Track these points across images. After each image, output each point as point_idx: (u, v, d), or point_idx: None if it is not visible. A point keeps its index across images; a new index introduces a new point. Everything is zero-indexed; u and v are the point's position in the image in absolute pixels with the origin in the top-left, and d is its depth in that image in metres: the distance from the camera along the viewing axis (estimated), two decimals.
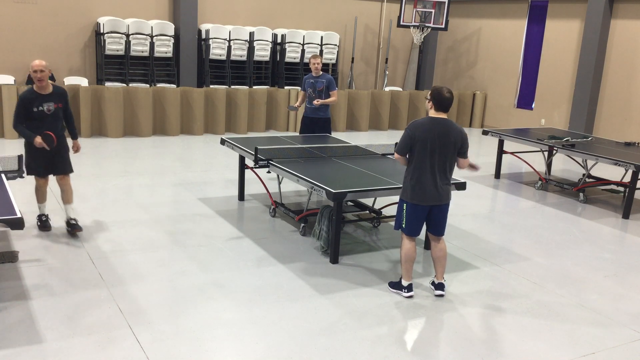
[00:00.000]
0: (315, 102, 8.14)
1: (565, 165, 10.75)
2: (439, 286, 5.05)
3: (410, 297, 4.92)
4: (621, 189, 8.95)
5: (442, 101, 4.69)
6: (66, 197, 5.87)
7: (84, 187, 7.59)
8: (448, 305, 4.87)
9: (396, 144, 4.95)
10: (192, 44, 13.54)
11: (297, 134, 10.41)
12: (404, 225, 4.88)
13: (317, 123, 8.30)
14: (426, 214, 4.85)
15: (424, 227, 5.01)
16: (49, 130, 5.55)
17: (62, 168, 5.83)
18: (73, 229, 5.82)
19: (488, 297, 5.05)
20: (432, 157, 4.67)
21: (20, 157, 5.38)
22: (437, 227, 4.94)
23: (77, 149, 5.95)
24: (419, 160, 4.69)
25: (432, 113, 4.75)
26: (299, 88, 13.61)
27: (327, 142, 7.66)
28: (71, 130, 5.96)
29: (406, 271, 4.93)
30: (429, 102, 4.78)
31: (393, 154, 7.11)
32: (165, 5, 13.65)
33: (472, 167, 5.09)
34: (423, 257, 5.92)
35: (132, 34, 12.72)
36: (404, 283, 4.96)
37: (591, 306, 5.00)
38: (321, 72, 8.27)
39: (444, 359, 4.04)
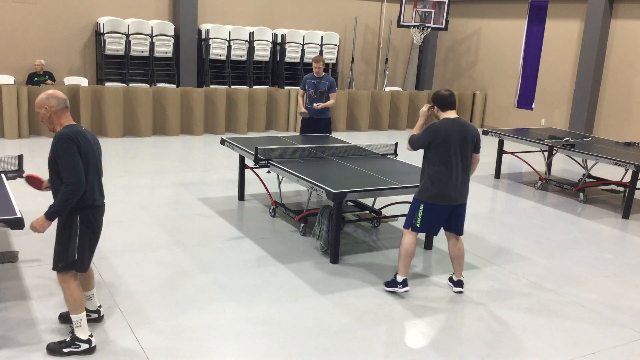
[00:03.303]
0: (315, 105, 8.10)
1: (565, 165, 10.75)
2: (458, 283, 5.10)
3: (407, 291, 4.92)
4: (621, 189, 8.95)
5: (443, 100, 4.76)
6: None
7: None
8: (448, 305, 4.87)
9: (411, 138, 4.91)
10: (192, 44, 13.54)
11: (298, 133, 10.39)
12: (418, 225, 4.85)
13: (317, 124, 8.27)
14: (447, 213, 4.86)
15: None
16: (52, 188, 3.84)
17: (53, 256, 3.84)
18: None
19: (488, 297, 5.05)
20: (454, 157, 4.70)
21: (20, 157, 5.37)
22: (459, 226, 4.98)
23: (31, 225, 3.69)
24: (441, 161, 4.69)
25: (443, 114, 4.79)
26: (298, 88, 13.60)
27: (327, 142, 7.66)
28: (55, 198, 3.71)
29: (404, 266, 4.91)
30: (434, 108, 4.84)
31: (393, 154, 7.12)
32: (165, 5, 13.65)
33: None
34: (423, 257, 5.92)
35: (132, 34, 12.72)
36: (399, 278, 4.94)
37: (591, 306, 5.00)
38: (323, 73, 8.24)
39: (444, 359, 4.04)
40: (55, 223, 3.78)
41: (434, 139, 4.68)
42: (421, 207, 4.83)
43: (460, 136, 4.70)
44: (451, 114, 4.77)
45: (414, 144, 4.83)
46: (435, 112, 4.85)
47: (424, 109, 4.97)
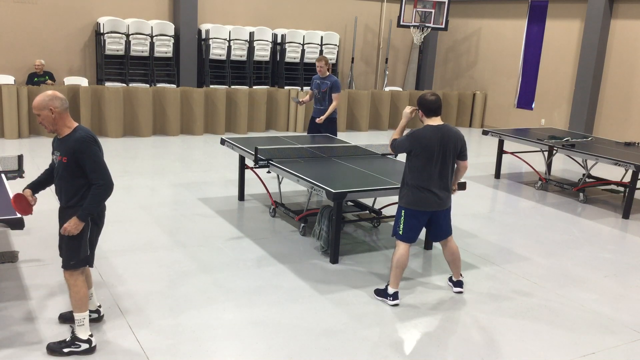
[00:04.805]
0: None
1: (565, 165, 10.75)
2: (458, 284, 5.10)
3: (396, 305, 4.79)
4: (621, 189, 8.95)
5: (428, 105, 4.67)
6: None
7: None
8: (448, 305, 4.87)
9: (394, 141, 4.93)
10: (192, 44, 13.54)
11: (297, 133, 10.42)
12: (400, 232, 4.80)
13: (323, 124, 8.34)
14: (426, 220, 4.83)
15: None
16: (58, 192, 3.85)
17: (63, 255, 3.86)
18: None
19: (488, 297, 5.05)
20: (435, 165, 4.64)
21: (20, 157, 5.37)
22: (444, 231, 4.93)
23: (64, 229, 3.71)
24: (421, 168, 4.65)
25: (427, 120, 4.73)
26: (298, 88, 13.63)
27: (327, 142, 7.66)
28: (79, 203, 3.77)
29: (395, 278, 4.81)
30: (419, 112, 4.77)
31: (393, 154, 7.11)
32: (165, 5, 13.65)
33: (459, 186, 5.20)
34: (423, 257, 5.92)
35: (132, 34, 12.72)
36: (390, 291, 4.83)
37: (591, 306, 5.00)
38: (327, 74, 8.29)
39: (444, 359, 4.04)
40: (56, 223, 3.78)
41: (414, 147, 4.63)
42: (402, 213, 4.79)
43: (443, 144, 4.63)
44: (435, 121, 4.69)
45: (395, 148, 4.85)
46: (420, 117, 4.78)
47: (407, 111, 4.89)
